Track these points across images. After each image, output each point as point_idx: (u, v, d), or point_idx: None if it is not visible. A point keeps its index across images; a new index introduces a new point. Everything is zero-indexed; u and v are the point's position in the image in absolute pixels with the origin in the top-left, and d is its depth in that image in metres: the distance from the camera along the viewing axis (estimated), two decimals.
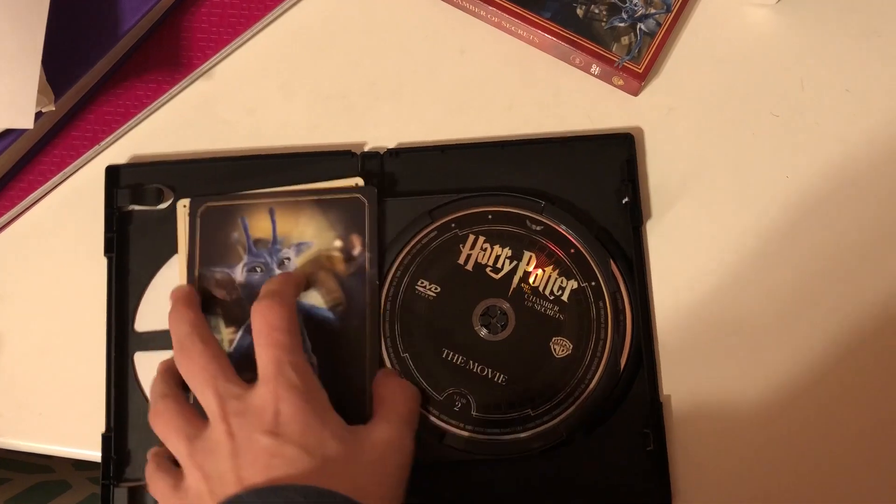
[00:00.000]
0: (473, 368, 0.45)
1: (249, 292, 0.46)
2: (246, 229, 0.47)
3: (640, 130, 0.49)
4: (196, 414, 0.41)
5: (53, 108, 0.45)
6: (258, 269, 0.46)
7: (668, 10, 0.49)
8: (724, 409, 0.45)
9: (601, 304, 0.45)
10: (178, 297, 0.45)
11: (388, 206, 0.47)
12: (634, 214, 0.46)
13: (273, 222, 0.47)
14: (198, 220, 0.47)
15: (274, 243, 0.47)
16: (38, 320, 0.48)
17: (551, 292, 0.46)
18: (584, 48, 0.48)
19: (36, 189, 0.49)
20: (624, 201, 0.47)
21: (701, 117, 0.49)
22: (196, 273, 0.46)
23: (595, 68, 0.49)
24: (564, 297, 0.45)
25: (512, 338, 0.45)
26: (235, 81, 0.51)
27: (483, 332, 0.45)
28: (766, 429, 0.45)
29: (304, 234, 0.47)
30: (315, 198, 0.47)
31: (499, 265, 0.46)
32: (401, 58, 0.51)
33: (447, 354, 0.45)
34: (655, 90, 0.49)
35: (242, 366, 0.42)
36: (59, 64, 0.46)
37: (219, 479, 0.38)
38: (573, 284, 0.46)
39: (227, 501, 0.37)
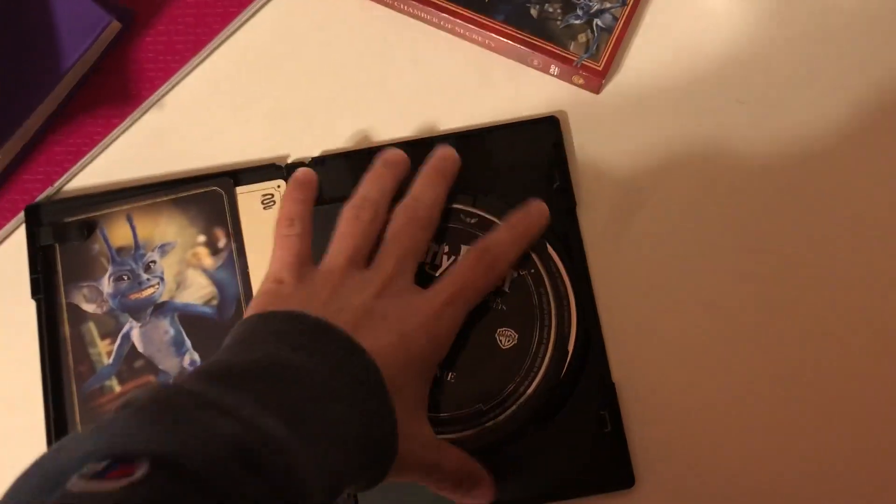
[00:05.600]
0: None
1: (119, 302, 0.46)
2: (106, 239, 0.46)
3: (563, 113, 0.48)
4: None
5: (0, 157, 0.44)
6: (125, 278, 0.46)
7: (624, 3, 0.47)
8: (677, 385, 0.45)
9: (542, 290, 0.45)
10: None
11: (318, 214, 0.45)
12: (566, 197, 0.46)
13: (132, 228, 0.47)
14: (53, 240, 0.46)
15: (137, 249, 0.47)
16: None
17: None
18: (542, 49, 0.47)
19: None
20: (555, 185, 0.46)
21: (665, 109, 0.48)
22: (61, 295, 0.46)
23: (554, 69, 0.48)
24: (505, 288, 0.45)
25: (457, 334, 0.44)
26: (187, 108, 0.49)
27: None
28: (721, 403, 0.44)
29: (166, 235, 0.47)
30: (172, 197, 0.47)
31: (437, 262, 0.45)
32: (356, 71, 0.49)
33: None
34: (618, 86, 0.48)
35: (124, 375, 0.43)
36: (1, 109, 0.45)
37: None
38: (512, 274, 0.45)
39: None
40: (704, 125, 0.47)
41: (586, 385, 0.44)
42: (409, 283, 0.42)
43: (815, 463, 0.44)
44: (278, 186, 0.47)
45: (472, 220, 0.46)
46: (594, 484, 0.43)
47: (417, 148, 0.46)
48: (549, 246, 0.45)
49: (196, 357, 0.45)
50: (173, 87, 0.49)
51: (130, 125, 0.49)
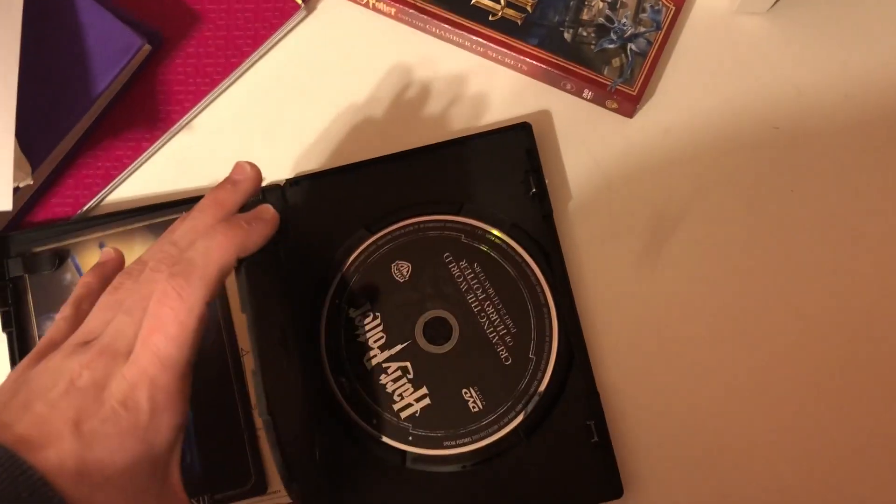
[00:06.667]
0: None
1: None
2: (78, 268, 0.46)
3: (548, 114, 0.48)
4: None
5: (31, 182, 0.43)
6: None
7: (658, 28, 0.47)
8: (664, 394, 0.44)
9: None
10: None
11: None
12: (542, 204, 0.45)
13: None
14: (23, 271, 0.45)
15: None
16: None
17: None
18: (575, 73, 0.47)
19: None
20: (531, 192, 0.46)
21: (698, 135, 0.47)
22: (34, 327, 0.45)
23: (587, 93, 0.47)
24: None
25: (455, 348, 0.44)
26: (217, 131, 0.49)
27: (429, 345, 0.44)
28: (709, 411, 0.44)
29: None
30: (146, 223, 0.46)
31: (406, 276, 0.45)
32: (387, 94, 0.49)
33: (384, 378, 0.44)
34: (650, 110, 0.48)
35: None
36: (33, 133, 0.44)
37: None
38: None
39: None
40: (738, 151, 0.47)
41: (571, 396, 0.44)
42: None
43: (805, 473, 0.43)
44: None
45: (454, 233, 0.46)
46: (582, 495, 0.43)
47: (401, 161, 0.46)
48: (527, 255, 0.45)
49: None
50: (203, 109, 0.49)
51: (160, 147, 0.49)
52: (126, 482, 0.31)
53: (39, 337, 0.45)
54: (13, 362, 0.45)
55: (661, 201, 0.47)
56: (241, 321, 0.44)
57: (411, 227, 0.46)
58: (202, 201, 0.38)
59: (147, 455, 0.32)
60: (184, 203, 0.46)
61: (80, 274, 0.46)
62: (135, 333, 0.33)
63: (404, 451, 0.43)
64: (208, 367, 0.43)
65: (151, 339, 0.33)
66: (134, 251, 0.46)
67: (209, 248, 0.35)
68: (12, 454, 0.29)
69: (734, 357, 0.45)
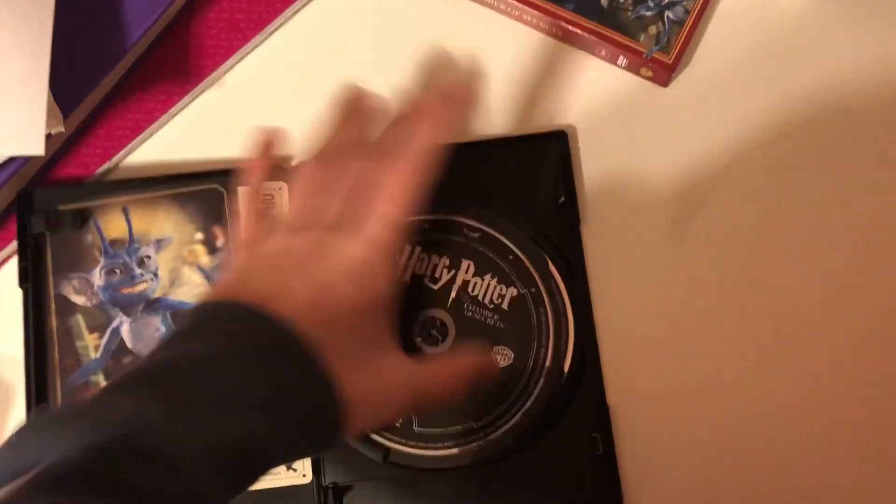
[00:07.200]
0: None
1: (110, 295, 0.45)
2: (100, 231, 0.45)
3: (573, 128, 0.47)
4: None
5: (63, 130, 0.43)
6: (117, 271, 0.45)
7: None
8: (673, 413, 0.44)
9: (542, 310, 0.44)
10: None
11: None
12: (570, 214, 0.45)
13: (128, 221, 0.46)
14: (45, 228, 0.45)
15: (131, 242, 0.45)
16: None
17: (491, 301, 0.44)
18: (610, 40, 0.46)
19: None
20: (560, 201, 0.45)
21: (732, 107, 0.47)
22: (50, 285, 0.45)
23: (622, 60, 0.47)
24: (504, 305, 0.44)
25: (453, 349, 0.44)
26: (247, 88, 0.49)
27: (423, 344, 0.44)
28: (716, 430, 0.44)
29: (163, 230, 0.46)
30: (171, 192, 0.46)
31: (437, 275, 0.45)
32: (418, 57, 0.49)
33: None
34: (685, 79, 0.47)
35: (111, 370, 0.43)
36: (65, 82, 0.44)
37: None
38: (513, 291, 0.44)
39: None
40: (773, 124, 0.47)
41: (580, 406, 0.43)
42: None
43: (814, 494, 0.43)
44: (279, 188, 0.46)
45: (476, 235, 0.45)
46: None
47: None
48: (550, 263, 0.44)
49: None
50: (234, 65, 0.49)
51: (190, 102, 0.49)
52: (359, 324, 0.35)
53: (56, 296, 0.45)
54: (27, 318, 0.45)
55: (692, 173, 0.46)
56: None
57: (429, 224, 0.45)
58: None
59: (376, 301, 0.36)
60: (211, 175, 0.46)
61: (102, 236, 0.45)
62: (355, 215, 0.37)
63: (407, 452, 0.43)
64: None
65: (380, 206, 0.37)
66: (157, 219, 0.46)
67: (406, 137, 0.38)
68: (251, 308, 0.33)
69: (753, 385, 0.44)
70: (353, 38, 0.49)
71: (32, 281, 0.45)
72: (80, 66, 0.45)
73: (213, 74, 0.48)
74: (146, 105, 0.48)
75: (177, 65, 0.48)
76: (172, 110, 0.48)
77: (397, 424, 0.43)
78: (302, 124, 0.47)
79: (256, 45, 0.49)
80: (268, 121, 0.48)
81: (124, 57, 0.46)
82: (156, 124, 0.48)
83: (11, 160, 0.43)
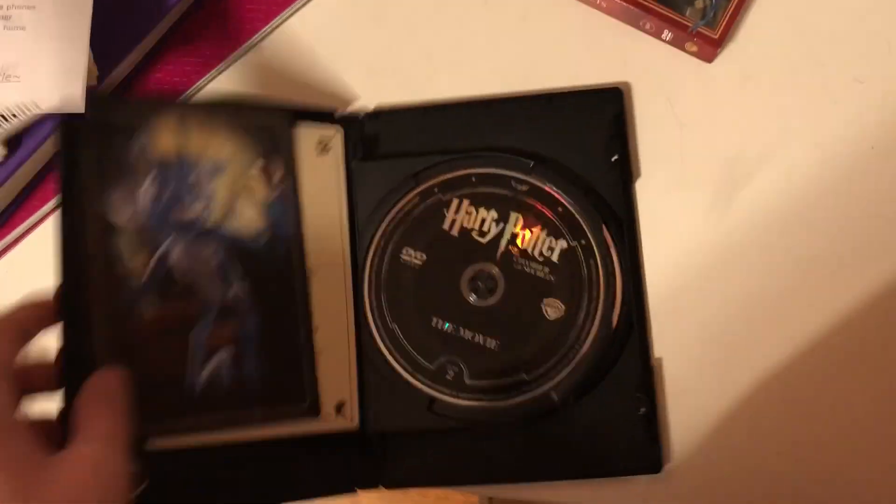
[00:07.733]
0: (464, 335, 0.44)
1: (159, 218, 0.40)
2: (151, 147, 0.40)
3: (627, 85, 0.46)
4: None
5: (95, 84, 0.43)
6: (168, 192, 0.40)
7: None
8: (717, 371, 0.44)
9: (592, 262, 0.44)
10: None
11: (367, 169, 0.45)
12: (624, 172, 0.45)
13: (183, 140, 0.41)
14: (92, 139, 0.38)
15: (185, 163, 0.40)
16: None
17: (540, 253, 0.44)
18: (656, 13, 0.45)
19: None
20: (613, 159, 0.45)
21: (778, 84, 0.46)
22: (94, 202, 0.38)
23: (667, 34, 0.46)
24: (554, 258, 0.44)
25: (502, 302, 0.44)
26: (285, 54, 0.49)
27: (472, 297, 0.44)
28: (761, 392, 0.43)
29: (220, 154, 0.41)
30: (232, 118, 0.42)
31: (485, 228, 0.44)
32: (458, 27, 0.48)
33: (436, 323, 0.44)
34: (730, 55, 0.47)
35: (158, 300, 0.38)
36: (105, 40, 0.44)
37: None
38: (562, 244, 0.44)
39: None
40: (820, 103, 0.46)
41: (625, 365, 0.43)
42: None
43: (851, 461, 0.42)
44: (335, 133, 0.45)
45: (524, 188, 0.45)
46: (618, 466, 0.42)
47: (484, 108, 0.46)
48: (601, 218, 0.44)
49: (244, 289, 0.41)
50: (273, 29, 0.49)
51: (228, 66, 0.48)
52: None
53: (98, 214, 0.38)
54: (65, 238, 0.37)
55: (735, 150, 0.46)
56: (312, 239, 0.43)
57: (477, 178, 0.45)
58: None
59: None
60: (273, 110, 0.43)
61: (153, 154, 0.40)
62: None
63: (454, 403, 0.43)
64: (276, 281, 0.42)
65: None
66: (214, 143, 0.41)
67: None
68: None
69: (796, 348, 0.43)
70: (394, 7, 0.48)
71: (74, 196, 0.38)
72: (120, 25, 0.45)
73: (253, 38, 0.48)
74: (185, 68, 0.48)
75: (216, 28, 0.48)
76: (210, 74, 0.48)
77: (448, 377, 0.43)
78: (340, 91, 0.48)
79: (297, 9, 0.49)
80: (305, 88, 0.48)
81: (164, 17, 0.45)
82: (193, 88, 0.48)
83: (50, 117, 0.43)
